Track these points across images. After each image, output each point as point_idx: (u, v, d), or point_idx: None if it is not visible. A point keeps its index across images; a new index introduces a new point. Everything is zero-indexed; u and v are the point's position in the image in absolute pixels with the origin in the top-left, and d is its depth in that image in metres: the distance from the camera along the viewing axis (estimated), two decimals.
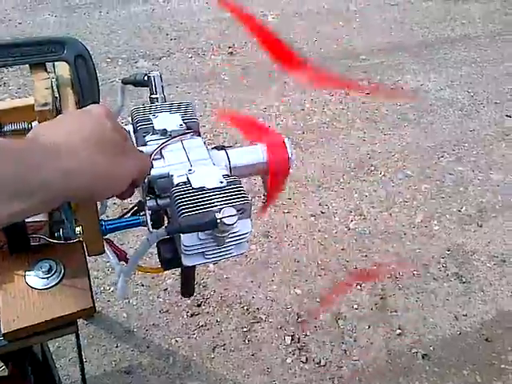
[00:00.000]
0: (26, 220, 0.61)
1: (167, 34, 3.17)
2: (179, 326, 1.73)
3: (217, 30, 3.25)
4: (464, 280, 1.95)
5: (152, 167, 0.57)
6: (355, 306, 1.84)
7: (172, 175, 0.56)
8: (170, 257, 0.57)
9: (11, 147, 0.40)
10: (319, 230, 2.09)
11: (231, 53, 3.05)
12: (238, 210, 0.52)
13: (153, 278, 1.85)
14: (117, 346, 1.65)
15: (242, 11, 0.78)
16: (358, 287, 1.90)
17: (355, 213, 2.18)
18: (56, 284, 0.64)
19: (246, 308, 1.80)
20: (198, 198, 0.52)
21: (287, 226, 2.10)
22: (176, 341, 1.69)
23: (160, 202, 0.58)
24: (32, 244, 0.65)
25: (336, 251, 2.02)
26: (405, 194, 2.28)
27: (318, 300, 1.84)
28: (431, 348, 1.73)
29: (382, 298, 1.87)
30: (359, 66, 3.04)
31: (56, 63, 0.65)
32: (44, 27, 3.05)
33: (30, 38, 0.60)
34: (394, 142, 2.54)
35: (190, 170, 0.56)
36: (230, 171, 0.61)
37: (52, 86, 0.62)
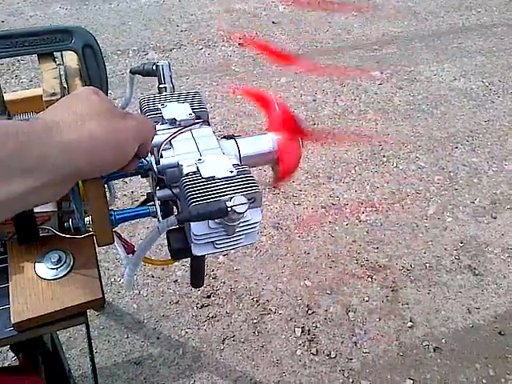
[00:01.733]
0: (35, 210, 0.61)
1: (177, 26, 3.16)
2: (189, 318, 1.73)
3: (227, 21, 3.23)
4: (477, 272, 1.92)
5: (161, 157, 0.56)
6: (366, 299, 1.83)
7: (182, 165, 0.56)
8: (179, 246, 0.56)
9: (6, 125, 0.40)
10: (330, 222, 2.08)
11: (241, 44, 3.03)
12: (248, 199, 0.51)
13: (163, 269, 1.85)
14: (127, 337, 1.66)
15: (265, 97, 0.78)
16: (369, 279, 1.88)
17: (366, 204, 2.16)
18: (65, 275, 0.63)
19: (255, 300, 1.80)
20: (207, 187, 0.51)
21: (297, 218, 2.09)
22: (186, 332, 1.69)
23: (170, 191, 0.57)
24: (41, 235, 0.65)
25: (347, 243, 2.00)
26: (417, 185, 2.26)
27: (328, 292, 1.84)
28: (443, 341, 1.72)
29: (393, 290, 1.86)
30: (372, 56, 3.01)
31: (64, 53, 0.64)
32: (55, 20, 3.05)
33: (38, 28, 0.60)
34: (407, 133, 2.51)
35: (200, 159, 0.55)
36: (240, 161, 0.60)
37: (60, 76, 0.61)
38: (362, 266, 1.93)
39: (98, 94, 0.50)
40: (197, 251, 0.54)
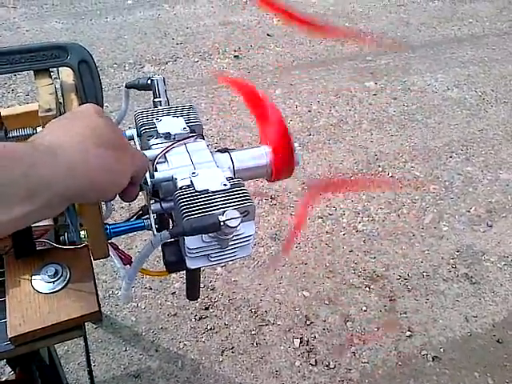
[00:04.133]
0: (32, 224, 0.61)
1: (173, 39, 3.18)
2: (187, 330, 1.72)
3: (222, 34, 3.26)
4: (474, 281, 1.93)
5: (156, 171, 0.57)
6: (364, 308, 1.83)
7: (176, 178, 0.56)
8: (174, 260, 0.57)
9: (12, 150, 0.39)
10: (327, 232, 2.08)
11: (237, 56, 3.06)
12: (241, 213, 0.52)
13: (161, 281, 1.85)
14: (125, 350, 1.66)
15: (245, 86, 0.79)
16: (367, 289, 1.89)
17: (363, 214, 2.17)
18: (62, 288, 0.64)
19: (253, 311, 1.80)
20: (201, 201, 0.52)
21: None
22: (184, 344, 1.69)
23: (164, 205, 0.58)
24: (38, 248, 0.65)
25: (344, 253, 2.01)
26: (413, 194, 2.27)
27: (326, 302, 1.84)
28: (441, 350, 1.72)
29: (391, 300, 1.86)
30: (366, 67, 3.04)
31: (60, 69, 0.65)
32: (51, 34, 3.08)
33: (34, 44, 0.61)
34: (402, 143, 2.53)
35: (194, 172, 0.56)
36: (234, 174, 0.61)
37: (56, 92, 0.62)
38: (359, 275, 1.93)
39: (103, 116, 0.50)
40: (191, 264, 0.55)
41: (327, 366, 1.67)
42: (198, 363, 1.65)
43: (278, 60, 3.07)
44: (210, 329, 1.73)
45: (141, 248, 1.91)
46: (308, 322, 1.77)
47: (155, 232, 0.55)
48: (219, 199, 0.52)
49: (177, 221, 0.54)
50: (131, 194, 0.52)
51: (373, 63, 3.07)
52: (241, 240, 0.54)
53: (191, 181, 0.55)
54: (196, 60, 3.01)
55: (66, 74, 0.64)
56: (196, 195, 0.53)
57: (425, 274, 1.95)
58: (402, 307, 1.84)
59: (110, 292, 1.80)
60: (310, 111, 2.68)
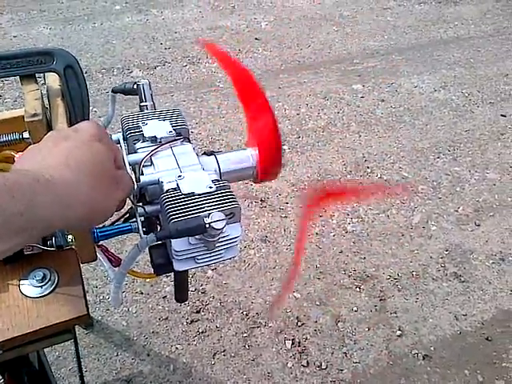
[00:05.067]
0: None
1: (161, 44, 3.19)
2: (179, 333, 1.73)
3: (211, 38, 3.27)
4: (463, 279, 1.95)
5: (142, 174, 0.58)
6: (355, 309, 1.84)
7: (162, 182, 0.57)
8: (161, 262, 0.57)
9: (8, 187, 0.38)
10: (317, 234, 2.10)
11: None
12: (227, 215, 0.53)
13: (151, 285, 1.85)
14: (117, 355, 1.65)
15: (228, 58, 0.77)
16: (357, 289, 1.90)
17: (352, 215, 2.19)
18: (50, 292, 0.64)
19: (245, 313, 1.80)
20: (187, 204, 0.53)
21: (285, 231, 2.10)
22: (176, 348, 1.69)
23: (150, 208, 0.59)
24: (25, 253, 0.65)
25: (334, 254, 2.02)
26: (401, 195, 2.29)
27: (317, 303, 1.85)
28: (432, 348, 1.73)
29: (381, 300, 1.87)
30: (353, 69, 3.06)
31: (46, 74, 0.65)
32: (39, 39, 3.07)
33: (20, 50, 0.61)
34: (390, 144, 2.55)
35: (180, 175, 0.56)
36: (220, 176, 0.61)
37: (42, 97, 0.62)
38: (349, 276, 1.95)
39: (101, 139, 0.49)
40: (178, 266, 0.56)
41: (319, 366, 1.68)
42: (189, 367, 1.65)
43: (266, 64, 3.08)
44: (202, 332, 1.74)
45: None
46: (299, 324, 1.78)
47: (142, 235, 0.56)
48: (205, 202, 0.53)
49: (163, 224, 0.55)
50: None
51: (360, 66, 3.10)
52: (227, 242, 0.55)
53: (177, 184, 0.56)
54: (184, 64, 3.02)
55: (52, 80, 0.65)
56: (182, 198, 0.53)
57: (414, 273, 1.97)
58: (393, 307, 1.85)
59: (101, 297, 1.80)
60: (298, 114, 2.70)
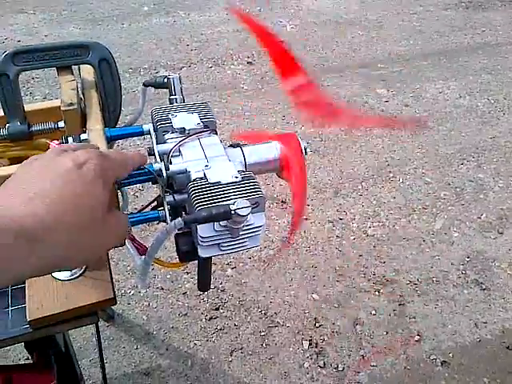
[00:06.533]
0: None
1: (188, 45, 3.24)
2: (198, 329, 1.75)
3: (236, 40, 3.30)
4: (484, 287, 1.93)
5: (170, 163, 0.60)
6: (373, 312, 1.83)
7: (189, 171, 0.59)
8: (187, 249, 0.59)
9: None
10: (337, 236, 2.10)
11: (250, 62, 3.10)
12: (252, 204, 0.54)
13: (172, 281, 1.88)
14: (136, 348, 1.68)
15: (256, 22, 0.78)
16: (376, 293, 1.89)
17: (373, 219, 2.18)
18: (79, 276, 0.67)
19: (263, 312, 1.81)
20: (213, 192, 0.55)
21: (305, 232, 2.11)
22: (194, 344, 1.71)
23: (177, 197, 0.61)
24: None
25: (354, 257, 2.02)
26: (424, 200, 2.28)
27: (335, 305, 1.85)
28: (450, 355, 1.72)
29: (400, 304, 1.86)
30: (378, 74, 3.05)
31: (81, 66, 0.68)
32: (69, 39, 3.14)
33: (57, 43, 0.64)
34: (413, 149, 2.54)
35: (207, 165, 0.58)
36: (246, 167, 0.63)
37: (77, 88, 0.65)
38: (369, 279, 1.94)
39: (104, 187, 0.44)
40: (203, 253, 0.57)
41: (336, 368, 1.68)
42: (207, 362, 1.67)
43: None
44: (220, 329, 1.75)
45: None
46: (317, 325, 1.79)
47: (169, 220, 0.58)
48: (231, 190, 0.55)
49: (190, 211, 0.57)
50: None
51: (385, 70, 3.09)
52: (251, 230, 0.56)
53: (204, 173, 0.57)
54: (210, 66, 3.06)
55: (87, 72, 0.68)
56: (208, 187, 0.55)
57: (434, 279, 1.95)
58: (412, 312, 1.84)
59: (123, 291, 1.83)
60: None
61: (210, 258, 0.62)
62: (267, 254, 2.01)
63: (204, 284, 0.69)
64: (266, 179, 2.30)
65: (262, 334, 1.75)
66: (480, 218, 2.20)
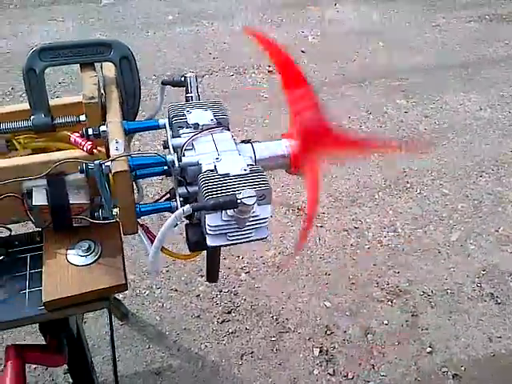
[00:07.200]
0: (71, 202, 0.68)
1: (210, 53, 3.29)
2: (209, 332, 1.76)
3: (257, 49, 3.34)
4: (499, 301, 1.90)
5: (183, 156, 0.62)
6: (385, 322, 1.83)
7: (201, 163, 0.62)
8: (196, 239, 0.62)
9: None
10: (351, 245, 2.10)
11: (271, 71, 3.13)
12: (259, 196, 0.56)
13: (186, 284, 1.90)
14: (148, 348, 1.71)
15: (269, 41, 0.80)
16: (389, 303, 1.89)
17: (389, 229, 2.18)
18: (93, 262, 0.70)
19: (275, 318, 1.82)
20: (222, 183, 0.57)
21: (319, 240, 2.11)
22: (206, 346, 1.73)
23: (190, 188, 0.63)
24: (74, 225, 0.71)
25: (368, 266, 2.02)
26: (441, 212, 2.26)
27: (347, 313, 1.84)
28: (462, 368, 1.70)
29: (413, 315, 1.85)
30: (398, 84, 3.06)
31: (103, 64, 0.72)
32: None
33: (81, 41, 0.68)
34: (431, 160, 2.53)
35: (217, 158, 0.61)
36: (256, 163, 0.65)
37: (99, 84, 0.69)
38: (382, 289, 1.94)
39: None
40: (211, 242, 0.60)
41: (345, 376, 1.68)
42: (217, 365, 1.68)
43: (310, 75, 3.11)
44: (232, 332, 1.77)
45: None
46: (328, 332, 1.79)
47: (179, 207, 0.60)
48: (239, 182, 0.57)
49: (199, 200, 0.59)
50: None
51: (405, 81, 3.09)
52: (257, 221, 0.59)
53: (215, 165, 0.60)
54: (231, 74, 3.10)
55: (108, 69, 0.71)
56: (218, 178, 0.58)
57: (449, 291, 1.94)
58: (424, 323, 1.83)
59: (137, 291, 1.86)
60: (340, 126, 2.72)
61: (218, 249, 0.64)
62: (281, 260, 2.02)
63: (212, 275, 0.72)
64: (283, 186, 2.31)
65: (273, 339, 1.76)
66: (497, 231, 2.18)
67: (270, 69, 3.15)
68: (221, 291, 1.89)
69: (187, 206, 0.54)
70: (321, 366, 1.70)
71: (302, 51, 3.35)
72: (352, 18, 3.74)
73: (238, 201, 0.53)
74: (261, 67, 3.17)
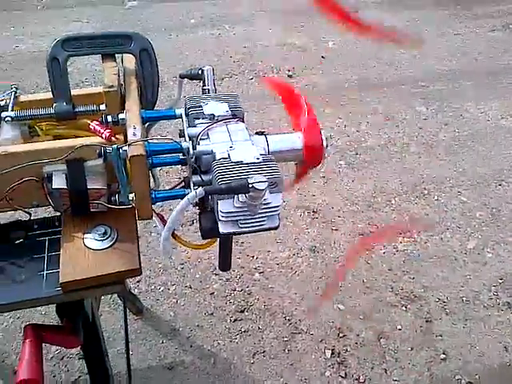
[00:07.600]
0: (89, 187, 0.70)
1: (231, 57, 3.33)
2: (222, 330, 1.78)
3: (278, 54, 3.37)
4: None
5: (198, 144, 0.64)
6: (399, 327, 1.81)
7: (215, 152, 0.63)
8: (209, 226, 0.63)
9: None
10: (367, 249, 2.09)
11: (290, 76, 3.15)
12: (270, 184, 0.58)
13: (201, 281, 1.92)
14: (162, 343, 1.73)
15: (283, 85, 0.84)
16: (403, 308, 1.87)
17: (405, 235, 2.16)
18: (109, 247, 0.72)
19: (287, 318, 1.83)
20: (234, 170, 0.59)
21: (334, 243, 2.11)
22: (218, 343, 1.74)
23: (204, 177, 0.65)
24: (91, 210, 0.74)
25: (383, 271, 2.01)
26: (458, 219, 2.24)
27: (361, 317, 1.84)
28: (477, 376, 1.68)
29: (427, 321, 1.84)
30: (418, 91, 3.05)
31: (124, 56, 0.74)
32: None
33: (103, 32, 0.70)
34: (450, 168, 2.51)
35: (231, 147, 0.63)
36: (268, 153, 0.67)
37: (119, 74, 0.71)
38: (396, 294, 1.92)
39: None
40: (223, 229, 0.61)
41: (357, 379, 1.67)
42: (229, 363, 1.69)
43: (330, 80, 3.13)
44: (244, 331, 1.78)
45: (178, 232, 2.01)
46: (341, 335, 1.78)
47: (193, 192, 0.62)
48: (251, 169, 0.59)
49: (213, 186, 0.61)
50: None
51: (425, 89, 3.08)
52: (268, 209, 0.60)
53: (228, 154, 0.62)
54: (250, 77, 3.13)
55: (129, 60, 0.73)
56: (231, 165, 0.59)
57: (464, 298, 1.91)
58: (439, 330, 1.81)
59: (152, 287, 1.89)
60: (358, 131, 2.72)
61: (231, 237, 0.65)
62: (295, 261, 2.03)
63: (224, 263, 0.73)
64: (299, 189, 2.32)
65: (285, 339, 1.76)
66: None
67: (290, 73, 3.17)
68: (234, 290, 1.90)
69: (200, 188, 0.56)
70: (332, 368, 1.70)
71: (322, 57, 3.36)
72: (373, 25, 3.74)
73: (250, 185, 0.54)
74: (280, 71, 3.19)
